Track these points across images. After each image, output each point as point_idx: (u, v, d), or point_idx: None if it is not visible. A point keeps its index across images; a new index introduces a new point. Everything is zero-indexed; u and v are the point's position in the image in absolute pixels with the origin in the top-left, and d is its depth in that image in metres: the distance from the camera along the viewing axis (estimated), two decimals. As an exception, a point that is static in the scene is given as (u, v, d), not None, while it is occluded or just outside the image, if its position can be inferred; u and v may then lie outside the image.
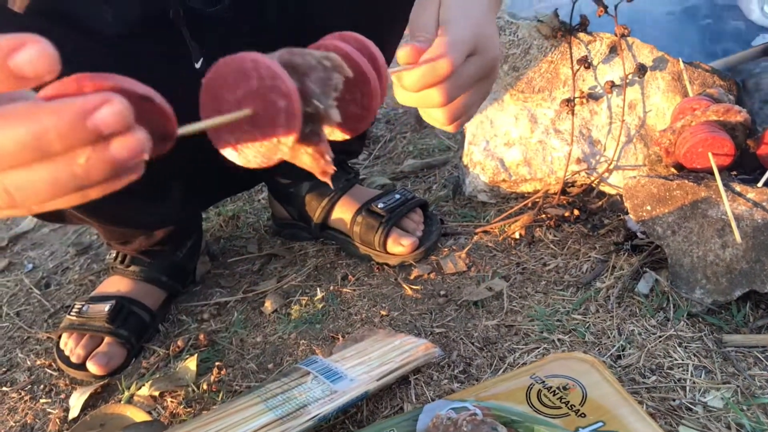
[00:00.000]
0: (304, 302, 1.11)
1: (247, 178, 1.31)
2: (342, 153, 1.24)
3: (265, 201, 1.43)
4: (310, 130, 0.44)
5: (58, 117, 0.29)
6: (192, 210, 1.23)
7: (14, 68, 0.28)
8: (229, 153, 0.42)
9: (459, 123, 0.64)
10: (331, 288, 1.13)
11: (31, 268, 1.39)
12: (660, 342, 0.89)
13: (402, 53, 0.58)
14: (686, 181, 0.93)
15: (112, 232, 1.13)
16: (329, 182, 0.48)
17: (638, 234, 1.07)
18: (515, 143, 1.20)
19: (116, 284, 1.14)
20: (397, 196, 1.19)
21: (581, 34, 1.15)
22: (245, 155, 0.42)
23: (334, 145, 1.20)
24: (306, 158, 0.46)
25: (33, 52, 0.28)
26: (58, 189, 0.30)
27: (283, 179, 1.24)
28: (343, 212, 1.20)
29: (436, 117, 0.62)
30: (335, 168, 0.47)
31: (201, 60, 0.99)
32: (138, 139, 0.30)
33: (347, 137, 0.51)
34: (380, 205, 1.17)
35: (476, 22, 0.62)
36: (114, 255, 1.18)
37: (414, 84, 0.57)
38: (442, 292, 1.06)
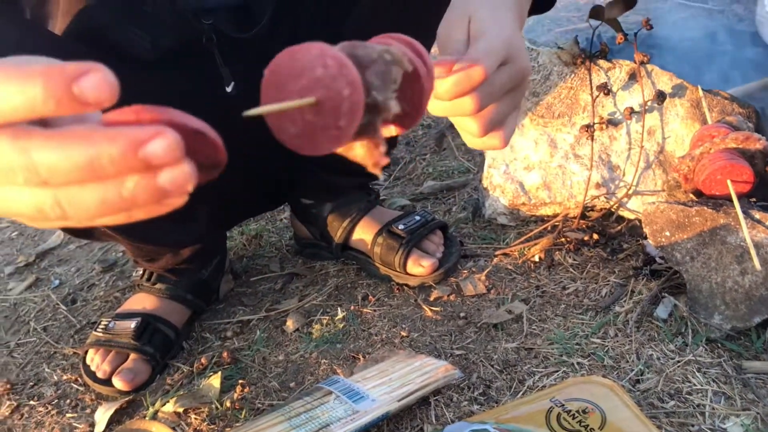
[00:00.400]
0: (325, 322, 1.12)
1: (271, 198, 1.33)
2: (363, 175, 1.26)
3: (287, 221, 1.46)
4: (368, 121, 0.45)
5: (113, 144, 0.31)
6: (218, 229, 1.25)
7: (78, 94, 0.30)
8: (289, 140, 0.43)
9: (500, 136, 0.64)
10: (352, 308, 1.14)
11: (57, 284, 1.42)
12: (679, 367, 0.89)
13: (436, 63, 0.60)
14: (705, 208, 0.94)
15: (139, 250, 1.15)
16: (380, 174, 0.49)
17: (657, 259, 1.08)
18: (535, 167, 1.22)
19: (142, 301, 1.17)
20: (417, 218, 1.21)
21: (601, 61, 1.17)
22: (306, 144, 0.42)
23: (355, 167, 1.22)
24: (360, 150, 0.46)
25: (96, 80, 0.30)
26: (106, 208, 0.32)
27: (306, 200, 1.27)
28: (364, 233, 1.22)
29: (469, 127, 0.63)
30: (388, 160, 0.47)
31: (232, 84, 1.01)
32: (184, 173, 0.32)
33: (397, 133, 0.52)
34: (400, 227, 1.19)
35: (508, 33, 0.64)
36: (140, 272, 1.21)
37: (448, 91, 0.58)
38: (461, 314, 1.07)
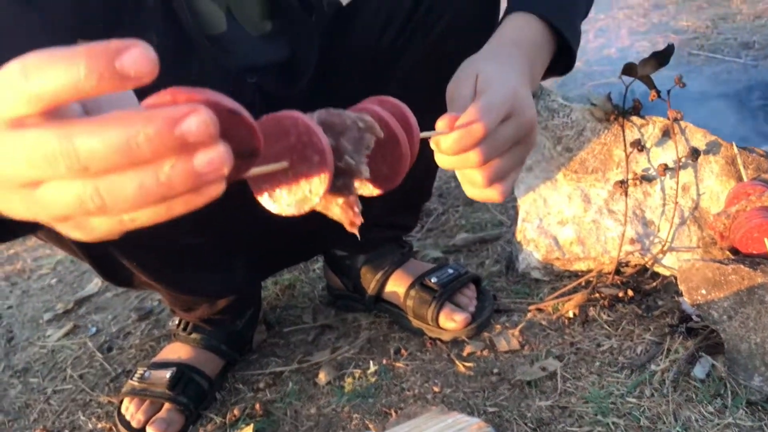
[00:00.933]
0: (357, 375, 1.12)
1: (305, 249, 1.35)
2: (396, 228, 1.28)
3: (320, 271, 1.47)
4: (342, 183, 0.48)
5: (149, 123, 0.31)
6: (254, 280, 1.27)
7: (119, 68, 0.31)
8: (265, 200, 0.46)
9: (500, 189, 0.66)
10: (384, 361, 1.14)
11: (94, 332, 1.45)
12: (718, 430, 0.88)
13: (439, 122, 0.62)
14: (742, 266, 0.93)
15: (177, 299, 1.17)
16: (356, 233, 0.51)
17: (693, 317, 1.06)
18: (569, 222, 1.22)
19: (177, 351, 1.18)
20: (450, 271, 1.22)
21: (634, 118, 1.18)
22: (280, 203, 0.45)
23: (388, 220, 1.25)
24: (336, 209, 0.50)
25: (137, 54, 0.31)
26: (144, 195, 0.33)
27: (340, 251, 1.28)
28: (396, 285, 1.22)
29: (473, 178, 0.65)
30: (362, 220, 0.50)
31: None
32: (220, 153, 0.32)
33: (377, 193, 0.55)
34: (433, 280, 1.19)
35: (512, 86, 0.66)
36: (177, 322, 1.22)
37: (450, 147, 0.60)
38: (495, 370, 1.06)
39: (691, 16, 2.36)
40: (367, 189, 0.54)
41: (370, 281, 1.24)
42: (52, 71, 0.31)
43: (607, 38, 2.41)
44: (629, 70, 1.20)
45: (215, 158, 0.32)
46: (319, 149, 0.43)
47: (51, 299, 1.62)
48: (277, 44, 1.04)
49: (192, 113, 0.31)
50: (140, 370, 1.15)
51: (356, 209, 0.49)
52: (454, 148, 0.60)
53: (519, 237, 1.27)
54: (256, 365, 1.22)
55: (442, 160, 0.63)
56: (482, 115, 0.60)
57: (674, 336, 1.05)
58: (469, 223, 1.53)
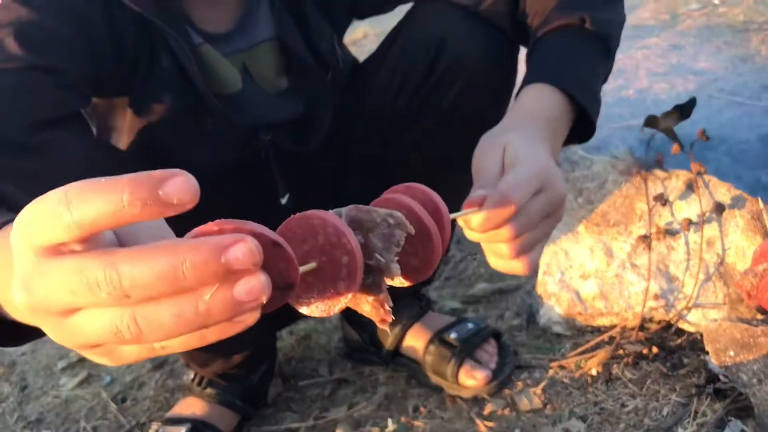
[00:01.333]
0: (375, 433, 1.10)
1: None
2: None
3: (336, 321, 1.45)
4: (372, 281, 0.47)
5: (196, 251, 0.31)
6: (270, 333, 1.25)
7: (163, 196, 0.31)
8: (294, 302, 0.45)
9: (526, 261, 0.65)
10: (403, 419, 1.12)
11: (109, 381, 1.43)
12: (751, 503, 0.84)
13: (469, 200, 0.61)
14: (772, 329, 0.90)
15: (193, 355, 1.16)
16: (388, 329, 0.52)
17: (721, 377, 1.03)
18: (591, 275, 1.19)
19: (192, 406, 1.16)
20: (470, 326, 1.19)
21: (657, 171, 1.16)
22: (309, 305, 0.44)
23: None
24: (366, 306, 0.48)
25: (181, 182, 0.31)
26: (182, 324, 0.33)
27: (357, 304, 1.26)
28: (415, 340, 1.20)
29: (501, 251, 0.64)
30: (393, 318, 0.48)
31: (287, 196, 1.03)
32: (260, 281, 0.32)
33: (407, 285, 0.53)
34: (453, 335, 1.17)
35: (542, 163, 0.65)
36: (191, 376, 1.21)
37: (480, 226, 0.60)
38: (517, 431, 1.04)
39: (710, 57, 2.35)
40: (398, 281, 0.52)
41: (387, 335, 1.22)
42: (94, 200, 0.31)
43: (626, 79, 2.40)
44: (651, 122, 1.19)
45: (255, 287, 0.32)
46: (348, 250, 0.42)
47: (65, 347, 1.61)
48: (292, 101, 1.04)
49: (239, 242, 0.32)
50: (154, 426, 1.13)
51: (386, 307, 0.48)
52: (486, 226, 0.59)
53: (540, 290, 1.25)
54: (272, 420, 1.20)
55: (471, 235, 0.62)
56: (513, 192, 0.60)
57: (701, 397, 1.02)
58: (487, 272, 1.50)
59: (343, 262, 0.42)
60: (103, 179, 0.32)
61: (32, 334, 0.44)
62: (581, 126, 0.83)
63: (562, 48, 0.86)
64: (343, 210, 0.47)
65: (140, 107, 0.94)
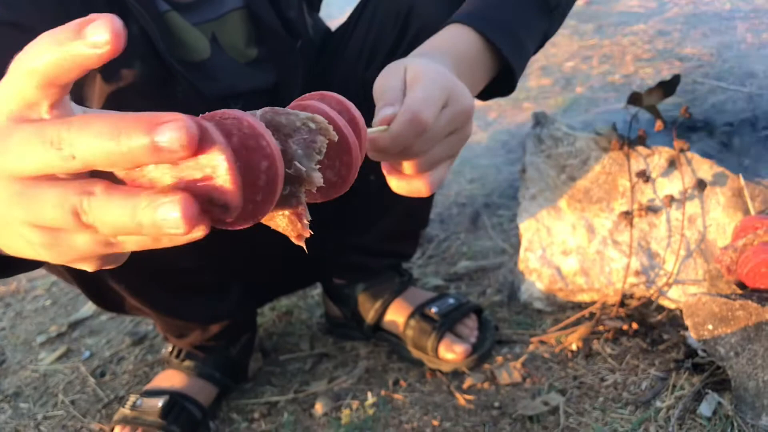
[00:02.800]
0: (354, 406, 1.10)
1: (303, 277, 1.33)
2: (395, 256, 1.25)
3: (318, 297, 1.45)
4: (289, 191, 0.42)
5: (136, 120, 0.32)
6: (248, 306, 1.25)
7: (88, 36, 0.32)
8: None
9: (427, 180, 0.61)
10: (383, 393, 1.12)
11: (88, 356, 1.42)
12: (726, 472, 0.85)
13: (376, 118, 0.58)
14: (750, 302, 0.90)
15: (169, 325, 1.15)
16: (304, 246, 0.45)
17: (699, 352, 1.04)
18: (572, 252, 1.20)
19: (170, 379, 1.15)
20: (451, 301, 1.19)
21: (639, 148, 1.16)
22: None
23: (387, 248, 1.18)
24: (282, 220, 0.44)
25: (100, 22, 0.32)
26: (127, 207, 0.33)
27: (338, 280, 1.26)
28: (396, 315, 1.20)
29: (403, 170, 0.61)
30: (311, 232, 0.44)
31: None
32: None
33: (320, 200, 0.49)
34: (434, 309, 1.17)
35: (446, 76, 0.63)
36: (170, 349, 1.20)
37: (389, 147, 0.57)
38: (496, 404, 1.04)
39: (696, 43, 2.36)
40: (310, 197, 0.45)
41: (368, 310, 1.22)
42: (50, 52, 0.33)
43: (612, 64, 2.41)
44: (635, 99, 1.19)
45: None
46: (267, 154, 0.37)
47: (45, 321, 1.59)
48: (262, 70, 1.03)
49: (172, 122, 0.32)
50: (132, 398, 1.12)
51: (305, 221, 0.43)
52: (396, 147, 0.56)
53: (521, 266, 1.25)
54: (251, 394, 1.19)
55: (375, 155, 0.59)
56: (423, 108, 0.56)
57: (680, 371, 1.02)
58: (471, 250, 1.50)
59: (262, 168, 0.37)
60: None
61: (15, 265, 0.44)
62: (507, 80, 0.80)
63: None
64: (258, 111, 0.42)
65: (110, 73, 0.93)
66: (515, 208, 1.58)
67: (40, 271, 1.85)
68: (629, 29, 2.73)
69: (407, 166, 0.60)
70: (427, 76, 0.61)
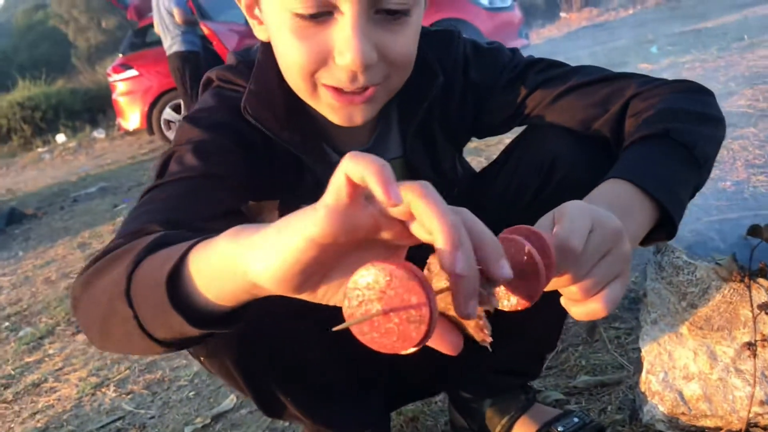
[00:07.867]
0: None
1: (431, 386, 1.42)
2: (522, 375, 1.33)
3: (441, 403, 1.53)
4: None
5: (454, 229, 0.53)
6: (386, 413, 1.35)
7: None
8: (367, 343, 0.51)
9: (600, 301, 0.67)
10: (511, 508, 1.18)
11: (231, 450, 1.56)
12: None
13: None
14: None
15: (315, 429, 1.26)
16: (488, 347, 0.58)
17: (829, 487, 1.06)
18: (694, 377, 1.24)
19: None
20: (576, 420, 1.26)
21: (761, 280, 1.21)
22: (380, 346, 0.51)
23: (515, 367, 1.30)
24: (469, 329, 0.56)
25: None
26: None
27: (466, 393, 1.35)
28: (522, 431, 1.27)
29: (573, 295, 0.68)
30: (491, 339, 0.56)
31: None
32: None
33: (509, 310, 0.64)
34: (560, 429, 1.24)
35: (588, 207, 0.70)
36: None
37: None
38: None
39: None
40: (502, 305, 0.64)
41: (495, 425, 1.29)
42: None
43: (722, 170, 2.43)
44: (755, 231, 1.24)
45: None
46: (416, 294, 0.49)
47: (190, 412, 1.75)
48: None
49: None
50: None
51: (486, 331, 0.55)
52: (552, 274, 0.65)
53: (643, 388, 1.30)
54: (385, 500, 1.28)
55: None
56: (570, 238, 0.65)
57: (809, 507, 1.04)
58: (588, 363, 1.56)
59: (412, 306, 0.49)
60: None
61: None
62: (665, 228, 0.86)
63: (641, 153, 0.89)
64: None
65: (286, 213, 1.07)
66: (632, 321, 1.63)
67: (182, 360, 2.02)
68: (739, 132, 2.75)
69: (574, 292, 0.68)
70: (572, 209, 0.70)
